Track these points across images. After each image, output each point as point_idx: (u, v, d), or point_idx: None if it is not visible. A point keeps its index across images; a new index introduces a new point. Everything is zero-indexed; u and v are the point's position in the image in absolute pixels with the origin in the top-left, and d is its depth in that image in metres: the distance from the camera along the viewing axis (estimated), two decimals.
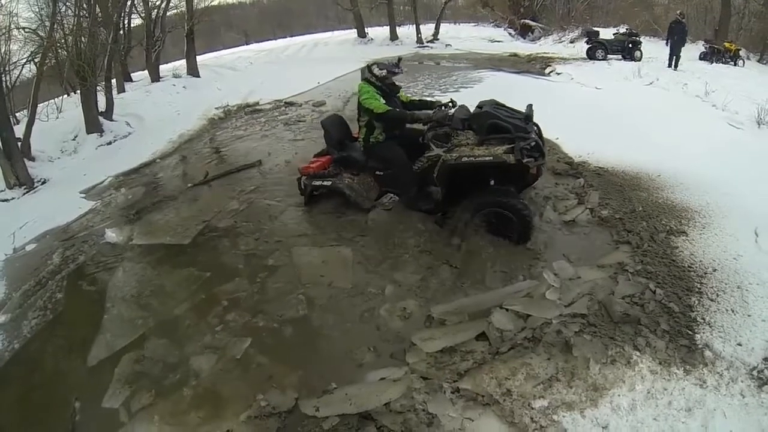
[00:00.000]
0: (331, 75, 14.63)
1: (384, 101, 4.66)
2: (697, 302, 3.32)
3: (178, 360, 3.48)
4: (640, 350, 2.96)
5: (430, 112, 4.61)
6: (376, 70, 4.81)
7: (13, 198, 7.46)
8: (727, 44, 16.87)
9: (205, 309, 3.98)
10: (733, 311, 3.21)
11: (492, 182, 4.26)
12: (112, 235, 5.52)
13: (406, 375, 3.04)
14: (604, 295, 3.51)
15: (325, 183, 5.06)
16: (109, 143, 9.77)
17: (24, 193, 7.61)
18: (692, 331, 3.09)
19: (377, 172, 4.86)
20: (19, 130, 8.59)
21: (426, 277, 4.00)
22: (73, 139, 9.69)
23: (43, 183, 8.00)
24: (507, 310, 3.46)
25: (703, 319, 3.18)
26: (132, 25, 16.11)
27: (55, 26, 9.54)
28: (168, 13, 16.80)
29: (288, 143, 8.26)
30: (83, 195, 7.18)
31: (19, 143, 8.19)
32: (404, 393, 2.89)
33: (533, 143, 4.04)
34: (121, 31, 14.86)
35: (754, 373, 2.77)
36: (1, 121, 7.70)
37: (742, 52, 17.19)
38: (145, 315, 4.04)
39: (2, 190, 7.59)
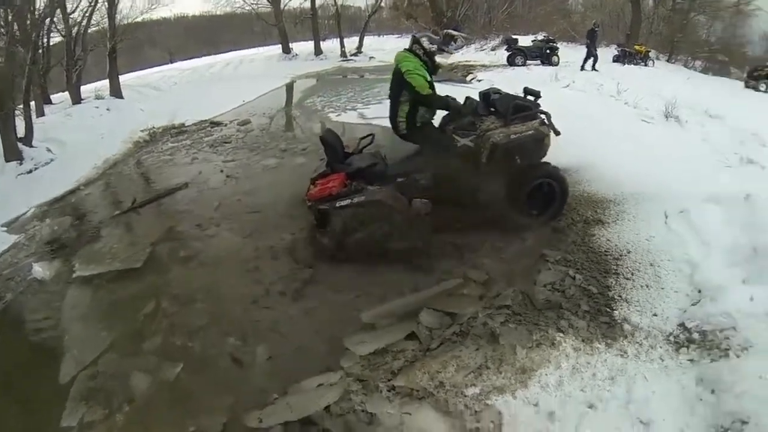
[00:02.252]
0: (256, 92, 14.73)
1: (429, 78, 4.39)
2: (614, 282, 3.67)
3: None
4: (564, 332, 3.21)
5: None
6: (426, 43, 4.48)
7: None
8: (637, 47, 18.38)
9: (149, 331, 3.90)
10: (647, 286, 3.57)
11: (518, 159, 4.49)
12: (39, 269, 5.19)
13: (341, 379, 3.12)
14: (527, 285, 3.77)
15: (356, 200, 4.28)
16: (30, 171, 9.20)
17: None
18: (611, 309, 3.41)
19: (398, 180, 4.44)
20: None
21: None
22: None
23: None
24: (434, 309, 3.62)
25: (621, 296, 3.52)
26: (51, 44, 15.20)
27: None
28: (89, 30, 16.08)
29: (215, 165, 8.19)
30: (5, 228, 6.68)
31: None
32: (342, 396, 2.97)
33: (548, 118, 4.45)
34: (40, 51, 14.14)
35: (671, 338, 3.08)
36: None
37: (651, 54, 18.76)
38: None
39: None
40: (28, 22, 11.19)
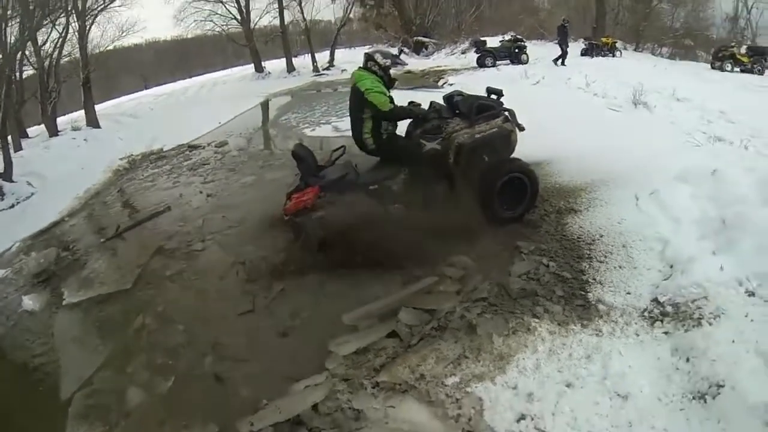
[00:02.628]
0: (231, 113, 14.76)
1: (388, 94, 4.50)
2: (587, 266, 3.82)
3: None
4: (539, 317, 3.34)
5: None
6: (380, 59, 4.59)
7: None
8: (604, 39, 18.80)
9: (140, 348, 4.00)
10: (620, 267, 3.72)
11: (485, 158, 4.64)
12: (29, 302, 5.21)
13: (327, 379, 3.23)
14: (502, 277, 3.90)
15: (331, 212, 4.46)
16: (12, 206, 9.27)
17: None
18: (585, 291, 3.55)
19: (370, 187, 4.59)
20: None
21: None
22: None
23: None
24: (413, 308, 3.73)
25: (594, 279, 3.67)
26: (24, 77, 15.18)
27: None
28: (62, 61, 16.03)
29: (196, 186, 8.28)
30: None
31: None
32: (328, 395, 3.08)
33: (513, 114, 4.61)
34: (13, 85, 14.09)
35: (645, 314, 3.21)
36: None
37: (618, 44, 19.15)
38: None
39: None
40: (0, 56, 11.16)
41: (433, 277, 4.06)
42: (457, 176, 4.60)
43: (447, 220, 4.50)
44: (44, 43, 15.22)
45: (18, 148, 12.93)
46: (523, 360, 3.03)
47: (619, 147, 6.02)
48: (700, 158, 4.84)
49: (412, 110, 4.72)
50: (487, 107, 4.71)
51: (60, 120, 15.97)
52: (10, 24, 12.45)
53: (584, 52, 18.40)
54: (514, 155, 4.92)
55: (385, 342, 3.46)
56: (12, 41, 12.60)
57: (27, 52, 14.73)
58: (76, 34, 15.76)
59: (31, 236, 7.49)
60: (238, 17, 25.68)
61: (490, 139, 4.62)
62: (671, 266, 3.54)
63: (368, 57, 4.67)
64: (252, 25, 26.03)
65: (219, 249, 5.50)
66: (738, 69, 17.48)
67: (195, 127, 13.09)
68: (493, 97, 4.90)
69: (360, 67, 4.69)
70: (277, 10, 25.61)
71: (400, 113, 4.61)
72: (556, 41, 17.06)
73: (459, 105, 4.83)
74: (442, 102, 5.02)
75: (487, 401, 2.82)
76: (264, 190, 7.04)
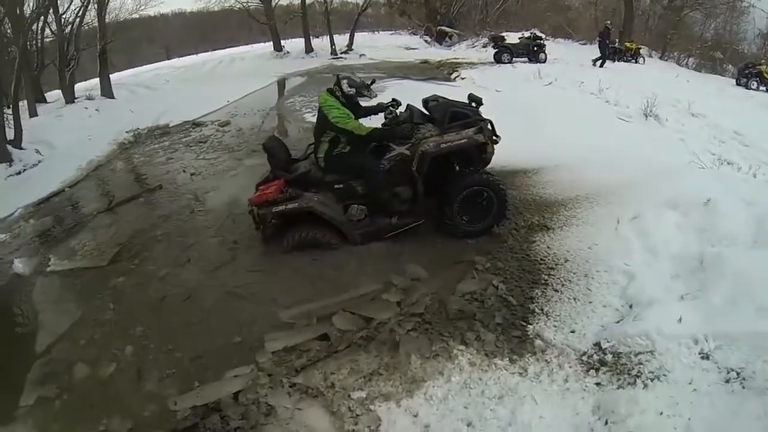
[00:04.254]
0: (241, 92, 14.75)
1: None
2: (539, 294, 3.64)
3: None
4: (468, 344, 3.24)
5: (382, 114, 4.79)
6: (345, 87, 4.60)
7: None
8: (627, 44, 18.22)
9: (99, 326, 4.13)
10: (575, 299, 3.52)
11: (457, 167, 4.55)
12: (19, 265, 5.49)
13: (252, 371, 3.29)
14: (447, 293, 3.79)
15: (290, 206, 4.53)
16: (19, 173, 9.40)
17: None
18: (526, 322, 3.38)
19: (336, 186, 4.62)
20: None
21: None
22: None
23: None
24: (352, 313, 3.71)
25: (542, 309, 3.48)
26: (46, 41, 15.39)
27: None
28: (83, 29, 16.15)
29: (187, 165, 8.41)
30: None
31: None
32: (250, 387, 3.16)
33: (490, 125, 4.48)
34: (34, 49, 14.27)
35: (583, 358, 3.02)
36: None
37: (643, 51, 18.59)
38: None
39: None
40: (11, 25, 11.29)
41: (378, 285, 4.02)
42: (420, 184, 4.54)
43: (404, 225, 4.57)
44: (65, 11, 15.29)
45: (33, 114, 13.14)
46: (433, 387, 2.96)
47: (618, 160, 5.78)
48: (700, 182, 4.50)
49: (390, 131, 4.62)
50: (462, 115, 4.55)
51: (79, 86, 16.08)
52: None
53: (606, 55, 17.96)
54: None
55: (313, 344, 3.48)
56: (30, 10, 12.68)
57: (49, 19, 14.86)
58: (96, 5, 15.77)
59: (33, 204, 7.75)
60: None
61: (458, 149, 4.48)
62: (630, 306, 3.33)
63: (336, 81, 4.69)
64: (273, 3, 25.90)
65: (191, 233, 5.64)
66: (764, 88, 16.65)
67: (204, 104, 13.17)
68: (473, 105, 4.73)
69: (327, 89, 4.70)
70: None
71: (379, 136, 4.60)
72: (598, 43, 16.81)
73: (432, 111, 4.75)
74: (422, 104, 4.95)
75: (384, 423, 2.80)
76: (245, 175, 7.07)
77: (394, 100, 4.92)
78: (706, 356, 2.78)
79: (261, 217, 4.67)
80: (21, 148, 10.10)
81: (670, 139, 7.83)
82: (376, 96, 5.08)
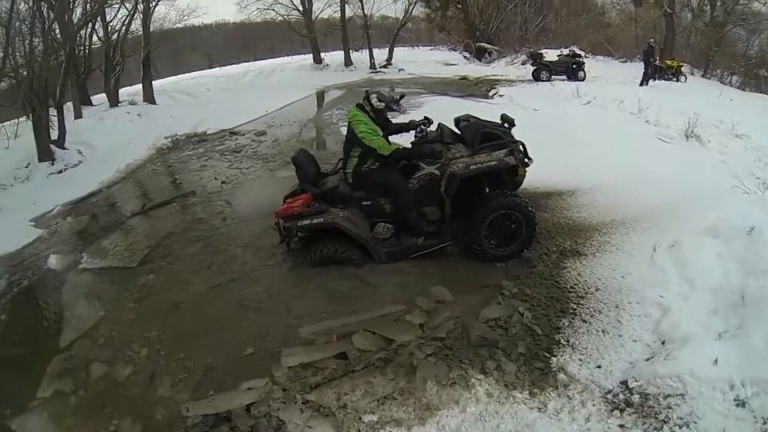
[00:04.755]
0: (279, 103, 14.98)
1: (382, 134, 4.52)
2: (567, 324, 3.44)
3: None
4: (487, 373, 3.10)
5: (413, 131, 4.72)
6: (375, 101, 4.54)
7: None
8: (669, 62, 17.72)
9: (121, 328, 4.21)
10: (604, 332, 3.31)
11: (487, 189, 4.45)
12: (54, 261, 5.71)
13: (266, 385, 3.27)
14: (471, 318, 3.65)
15: (315, 221, 4.49)
16: (60, 172, 9.80)
17: None
18: (550, 354, 3.20)
19: (364, 203, 4.57)
20: None
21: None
22: (26, 167, 9.70)
23: None
24: (373, 333, 3.62)
25: (568, 341, 3.29)
26: (93, 47, 15.98)
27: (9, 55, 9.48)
28: (129, 37, 16.78)
29: (221, 173, 8.55)
30: (33, 223, 7.29)
31: None
32: (263, 400, 3.14)
33: (522, 147, 4.37)
34: (81, 53, 14.84)
35: (608, 396, 2.83)
36: None
37: (685, 69, 18.00)
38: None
39: None
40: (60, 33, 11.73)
41: (402, 306, 3.93)
42: (448, 205, 4.44)
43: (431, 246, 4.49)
44: (112, 20, 15.96)
45: (78, 116, 13.71)
46: (447, 417, 2.83)
47: (657, 183, 5.55)
48: (743, 208, 4.15)
49: (414, 151, 4.55)
50: (494, 136, 4.42)
51: (124, 90, 16.72)
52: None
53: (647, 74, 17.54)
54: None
55: (331, 362, 3.43)
56: (78, 17, 13.21)
57: (96, 26, 15.49)
58: (141, 15, 16.37)
59: (71, 202, 8.13)
60: (300, 8, 25.94)
61: (488, 171, 4.36)
62: (662, 342, 3.10)
63: (366, 95, 4.65)
64: (313, 16, 26.22)
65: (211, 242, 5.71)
66: None
67: (243, 113, 13.44)
68: (506, 126, 4.62)
69: (357, 104, 4.66)
70: (339, 3, 25.68)
71: (402, 156, 4.54)
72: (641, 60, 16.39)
73: (463, 131, 4.66)
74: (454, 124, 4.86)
75: None
76: (276, 186, 7.01)
77: (425, 117, 4.87)
78: (741, 403, 2.54)
79: (286, 230, 4.68)
80: (64, 148, 10.54)
81: (713, 161, 7.49)
82: (405, 111, 5.01)
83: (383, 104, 4.55)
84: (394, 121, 4.92)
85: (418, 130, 4.69)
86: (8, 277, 5.58)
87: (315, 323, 3.84)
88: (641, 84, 15.55)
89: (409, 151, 4.54)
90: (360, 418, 2.91)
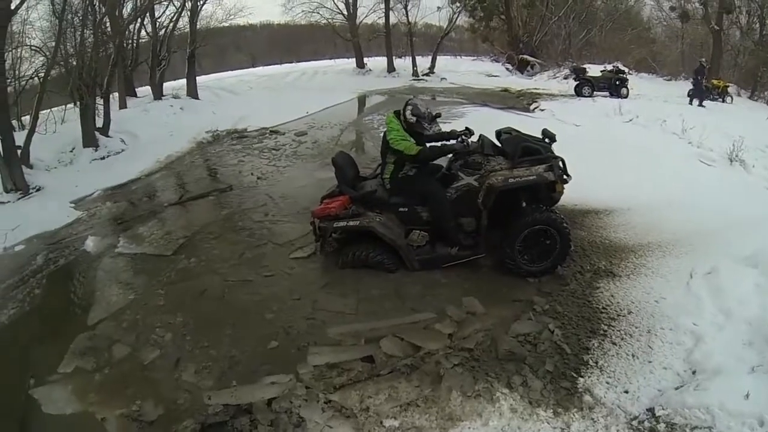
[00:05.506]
0: (321, 105, 15.10)
1: (413, 140, 4.51)
2: (596, 345, 3.38)
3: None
4: (512, 388, 3.05)
5: (454, 141, 4.72)
6: (408, 114, 4.57)
7: (8, 201, 7.74)
8: (715, 81, 17.11)
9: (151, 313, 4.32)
10: (633, 356, 3.24)
11: (524, 204, 4.41)
12: (90, 243, 5.93)
13: (290, 381, 3.31)
14: (500, 332, 3.61)
15: (351, 224, 4.55)
16: (103, 158, 10.10)
17: (19, 198, 7.88)
18: (578, 374, 3.14)
19: (401, 209, 4.60)
20: (21, 138, 8.88)
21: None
22: (71, 151, 9.98)
23: (38, 190, 8.23)
24: (401, 339, 3.63)
25: (596, 362, 3.23)
26: (141, 41, 16.54)
27: (61, 44, 9.85)
28: (175, 33, 17.26)
29: (261, 169, 8.70)
30: (73, 205, 7.54)
31: (19, 151, 8.47)
32: (285, 396, 3.19)
33: (561, 163, 4.35)
34: (129, 46, 15.38)
35: (634, 423, 2.75)
36: (3, 129, 8.01)
37: (731, 89, 17.36)
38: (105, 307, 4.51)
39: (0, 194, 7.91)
40: (109, 26, 12.20)
41: (432, 314, 3.92)
42: (485, 217, 4.42)
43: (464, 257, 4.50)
44: (160, 16, 16.52)
45: (123, 106, 14.22)
46: (469, 429, 2.81)
47: (697, 207, 5.43)
48: None
49: (442, 149, 4.61)
50: (534, 151, 4.38)
51: (168, 85, 17.22)
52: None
53: (691, 93, 17.00)
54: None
55: (356, 364, 3.44)
56: (128, 12, 13.73)
57: (145, 21, 16.03)
58: (188, 12, 16.83)
59: (111, 187, 8.42)
60: (345, 12, 26.12)
61: (526, 185, 4.31)
62: (693, 372, 3.00)
63: (405, 104, 4.68)
64: (357, 21, 26.40)
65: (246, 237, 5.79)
66: None
67: (284, 113, 13.60)
68: (547, 141, 4.58)
69: (394, 111, 4.72)
70: (383, 9, 25.74)
71: (430, 154, 4.56)
72: (691, 80, 15.95)
73: (504, 143, 4.62)
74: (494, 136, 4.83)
75: None
76: (314, 187, 7.11)
77: (466, 128, 4.85)
78: None
79: (322, 230, 4.74)
80: (108, 136, 10.91)
81: (756, 187, 7.19)
82: (439, 130, 5.02)
83: (415, 118, 4.57)
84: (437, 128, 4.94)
85: (458, 140, 4.67)
86: (45, 254, 5.80)
87: (344, 324, 3.87)
88: (694, 102, 15.19)
89: (436, 150, 4.58)
90: (381, 423, 2.91)
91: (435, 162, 4.73)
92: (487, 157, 4.53)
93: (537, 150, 4.38)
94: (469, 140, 4.67)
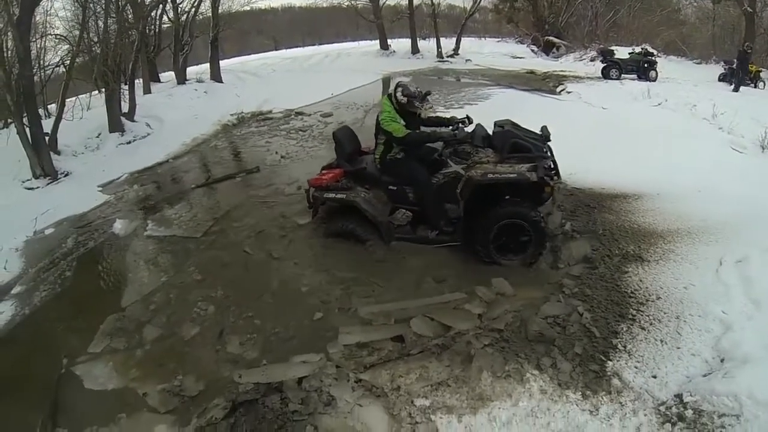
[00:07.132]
0: (345, 86, 15.15)
1: (403, 122, 4.61)
2: (625, 329, 3.34)
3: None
4: (542, 370, 3.06)
5: (447, 129, 4.78)
6: (399, 95, 4.67)
7: (37, 187, 7.98)
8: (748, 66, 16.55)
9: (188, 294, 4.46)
10: (662, 342, 3.19)
11: (507, 197, 4.44)
12: (119, 226, 6.08)
13: (320, 360, 3.39)
14: (529, 313, 3.61)
15: (338, 196, 4.79)
16: (129, 142, 10.28)
17: (48, 183, 8.11)
18: (606, 358, 3.12)
19: (390, 187, 4.75)
20: (48, 125, 9.08)
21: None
22: (97, 137, 10.18)
23: (66, 175, 8.46)
24: (431, 319, 3.67)
25: (625, 347, 3.19)
26: (163, 27, 16.79)
27: (84, 32, 10.03)
28: (198, 18, 17.37)
29: (288, 149, 8.85)
30: (100, 189, 7.73)
31: (47, 137, 8.67)
32: (315, 374, 3.25)
33: (551, 163, 4.35)
34: (152, 32, 15.53)
35: (661, 408, 2.74)
36: (31, 117, 8.22)
37: (763, 74, 16.80)
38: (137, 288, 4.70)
39: (28, 179, 8.11)
40: (132, 12, 12.31)
41: (462, 294, 3.96)
42: (461, 206, 4.52)
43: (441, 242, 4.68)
44: (182, 1, 16.56)
45: (147, 91, 14.41)
46: (499, 409, 2.82)
47: (728, 194, 5.30)
48: None
49: (428, 136, 4.64)
50: (523, 148, 4.37)
51: (191, 69, 17.31)
52: None
53: (722, 78, 16.37)
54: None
55: (387, 344, 3.50)
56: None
57: (167, 7, 16.18)
58: None
59: (138, 171, 8.58)
60: None
61: (506, 182, 4.32)
62: (721, 360, 2.95)
63: (395, 86, 4.79)
64: (381, 2, 26.22)
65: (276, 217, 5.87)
66: None
67: (308, 95, 13.71)
68: (542, 138, 4.58)
69: (388, 94, 4.83)
70: None
71: (415, 140, 4.63)
72: (734, 65, 15.49)
73: (494, 137, 4.64)
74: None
75: None
76: None
77: (467, 116, 4.91)
78: None
79: (314, 199, 5.00)
80: (133, 121, 11.12)
81: None
82: (431, 108, 5.06)
83: (406, 99, 4.65)
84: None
85: (454, 126, 4.74)
86: (75, 237, 5.97)
87: (374, 304, 3.94)
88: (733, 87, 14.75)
89: (423, 136, 4.63)
90: (412, 402, 2.94)
91: (431, 144, 4.77)
92: (477, 148, 4.57)
93: (527, 148, 4.35)
94: (465, 129, 4.71)
